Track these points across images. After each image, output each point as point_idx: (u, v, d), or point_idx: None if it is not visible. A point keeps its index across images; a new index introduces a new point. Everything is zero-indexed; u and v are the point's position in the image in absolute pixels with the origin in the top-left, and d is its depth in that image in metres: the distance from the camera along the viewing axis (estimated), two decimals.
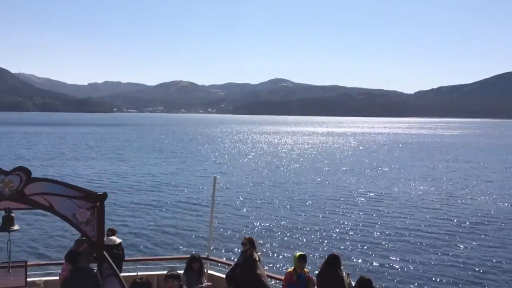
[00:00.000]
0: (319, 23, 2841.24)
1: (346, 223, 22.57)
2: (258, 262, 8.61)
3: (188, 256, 9.06)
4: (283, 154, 60.52)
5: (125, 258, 10.25)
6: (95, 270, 6.60)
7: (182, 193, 30.03)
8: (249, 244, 8.64)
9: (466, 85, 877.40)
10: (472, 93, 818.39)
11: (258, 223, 22.37)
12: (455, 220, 23.18)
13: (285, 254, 17.21)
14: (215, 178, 10.87)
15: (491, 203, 27.91)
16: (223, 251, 17.22)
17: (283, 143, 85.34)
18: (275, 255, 17.45)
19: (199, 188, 31.94)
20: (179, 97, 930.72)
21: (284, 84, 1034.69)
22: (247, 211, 25.12)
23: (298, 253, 8.77)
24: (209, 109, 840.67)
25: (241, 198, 28.57)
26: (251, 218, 23.39)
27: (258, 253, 8.70)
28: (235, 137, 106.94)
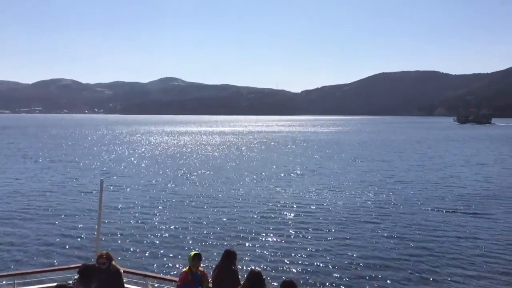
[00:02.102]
0: (209, 22, 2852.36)
1: (241, 219, 22.83)
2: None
3: (78, 265, 8.48)
4: (176, 155, 59.56)
5: (0, 274, 9.36)
6: None
7: (65, 200, 27.59)
8: (108, 260, 8.34)
9: (345, 84, 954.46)
10: (351, 92, 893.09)
11: (150, 225, 21.54)
12: (357, 215, 24.65)
13: (180, 255, 16.87)
14: (102, 181, 10.35)
15: (394, 197, 30.64)
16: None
17: (176, 143, 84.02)
18: (170, 256, 17.01)
19: (85, 193, 29.74)
20: (61, 96, 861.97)
21: (176, 83, 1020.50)
22: (137, 213, 24.00)
23: (193, 253, 8.74)
24: (96, 109, 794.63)
25: (131, 201, 27.19)
26: (142, 221, 22.40)
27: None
28: (124, 138, 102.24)
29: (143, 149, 67.11)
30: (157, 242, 18.79)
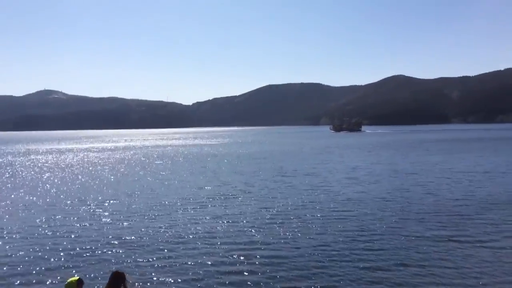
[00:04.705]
0: (92, 31, 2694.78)
1: (133, 236, 19.94)
2: None
3: None
4: (58, 176, 52.32)
5: None
6: None
7: None
8: None
9: (236, 96, 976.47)
10: (241, 104, 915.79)
11: (25, 249, 18.44)
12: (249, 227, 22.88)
13: (61, 281, 14.33)
14: None
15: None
16: None
17: (58, 163, 74.86)
18: (50, 283, 14.46)
19: None
20: None
21: (56, 96, 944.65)
22: (13, 238, 20.21)
23: (73, 278, 8.01)
24: None
25: (5, 225, 22.78)
26: (17, 245, 19.14)
27: None
28: None
29: (16, 171, 58.03)
30: (34, 268, 16.11)
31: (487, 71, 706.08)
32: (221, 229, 21.71)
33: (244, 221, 23.22)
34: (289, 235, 20.15)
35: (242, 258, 16.92)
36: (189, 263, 16.47)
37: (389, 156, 68.10)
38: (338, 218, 23.37)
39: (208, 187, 36.62)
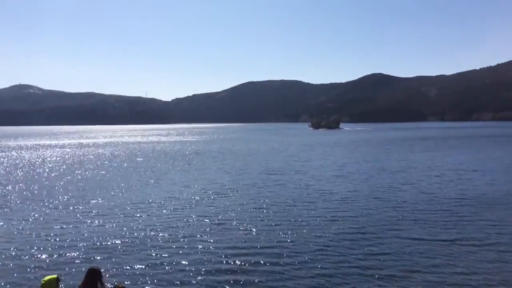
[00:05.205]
0: (68, 25, 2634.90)
1: (108, 232, 18.50)
2: None
3: None
4: (29, 173, 49.94)
5: None
6: None
7: None
8: None
9: (216, 93, 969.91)
10: (221, 100, 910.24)
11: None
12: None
13: (36, 279, 13.90)
14: None
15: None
16: None
17: (37, 160, 72.07)
18: (21, 285, 13.74)
19: None
20: None
21: (31, 91, 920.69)
22: None
23: (51, 276, 7.78)
24: None
25: None
26: None
27: None
28: None
29: None
30: (10, 271, 15.30)
31: (463, 70, 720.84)
32: (210, 231, 20.52)
33: (236, 223, 22.07)
34: (285, 238, 19.11)
35: (236, 263, 15.82)
36: (177, 268, 15.38)
37: (374, 153, 67.83)
38: (334, 220, 22.40)
39: (194, 186, 35.26)
